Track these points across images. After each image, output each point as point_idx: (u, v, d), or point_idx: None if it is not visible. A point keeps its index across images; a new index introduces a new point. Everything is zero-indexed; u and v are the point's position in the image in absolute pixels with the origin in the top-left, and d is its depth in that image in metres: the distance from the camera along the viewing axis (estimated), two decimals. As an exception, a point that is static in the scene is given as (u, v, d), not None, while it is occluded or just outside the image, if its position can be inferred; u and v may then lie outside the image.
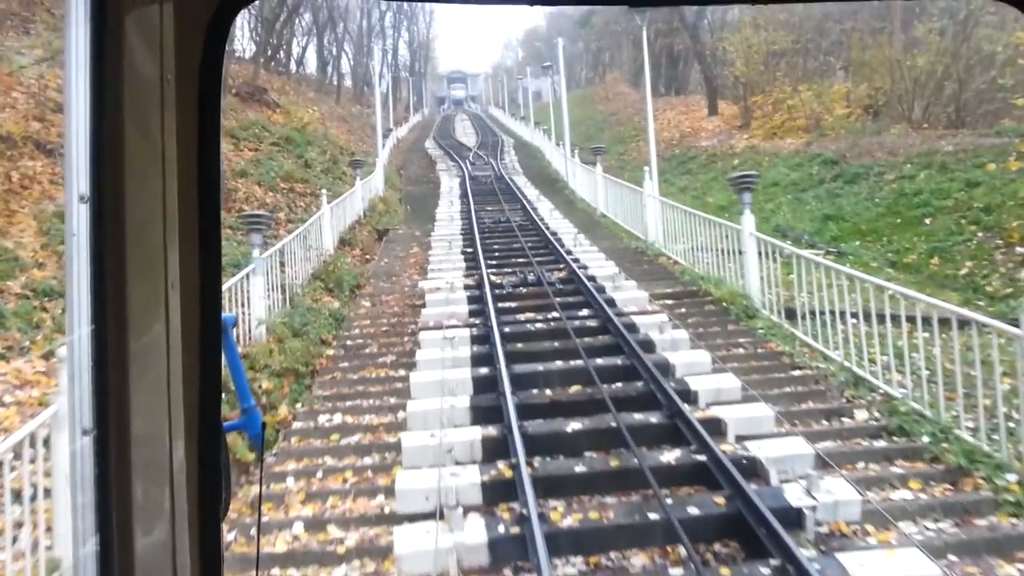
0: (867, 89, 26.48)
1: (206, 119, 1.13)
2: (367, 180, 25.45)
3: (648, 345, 9.67)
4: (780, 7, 33.02)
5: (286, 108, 31.30)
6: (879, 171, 20.39)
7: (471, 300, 12.36)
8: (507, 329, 10.43)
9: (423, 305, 12.59)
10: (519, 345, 9.98)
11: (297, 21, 57.07)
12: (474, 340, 10.35)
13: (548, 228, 18.25)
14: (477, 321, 11.00)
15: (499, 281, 13.08)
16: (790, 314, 11.69)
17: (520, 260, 14.94)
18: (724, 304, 12.27)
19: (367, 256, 18.80)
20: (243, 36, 44.05)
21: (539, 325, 10.61)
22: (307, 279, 14.65)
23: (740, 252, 13.34)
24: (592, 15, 65.40)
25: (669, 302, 12.60)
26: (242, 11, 1.24)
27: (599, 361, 9.07)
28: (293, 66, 57.03)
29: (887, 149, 21.47)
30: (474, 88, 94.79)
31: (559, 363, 9.27)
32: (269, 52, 44.79)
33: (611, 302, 11.53)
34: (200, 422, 1.15)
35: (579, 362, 9.02)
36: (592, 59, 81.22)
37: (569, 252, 15.37)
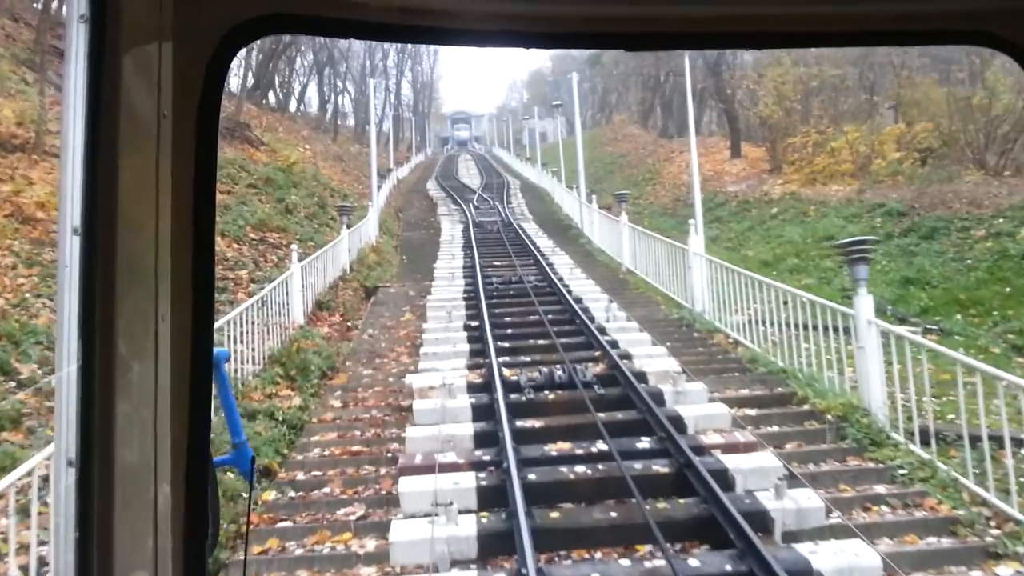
0: (924, 130, 23.00)
1: (202, 156, 1.09)
2: (358, 227, 21.91)
3: (760, 520, 5.96)
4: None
5: (271, 146, 27.88)
6: (963, 225, 16.84)
7: (478, 414, 8.69)
8: (533, 476, 6.74)
9: (409, 415, 8.91)
10: (554, 516, 6.27)
11: (298, 59, 54.24)
12: (484, 498, 6.63)
13: (570, 292, 14.61)
14: (487, 456, 7.28)
15: (514, 379, 9.41)
16: (926, 436, 8.07)
17: (540, 342, 11.29)
18: (830, 419, 8.61)
19: (348, 324, 15.12)
20: (234, 69, 40.88)
21: (581, 470, 6.87)
22: (264, 363, 11.02)
23: (847, 342, 9.73)
24: (601, 55, 62.45)
25: (752, 413, 8.93)
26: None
27: (695, 563, 5.34)
28: (293, 104, 54.03)
29: (965, 199, 17.92)
30: (478, 129, 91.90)
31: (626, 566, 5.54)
32: (260, 88, 41.60)
33: (679, 423, 7.89)
34: (188, 458, 1.09)
35: (660, 563, 5.33)
36: (599, 100, 78.39)
37: (602, 330, 11.70)
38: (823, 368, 10.08)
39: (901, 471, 7.37)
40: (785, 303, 11.60)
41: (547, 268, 17.19)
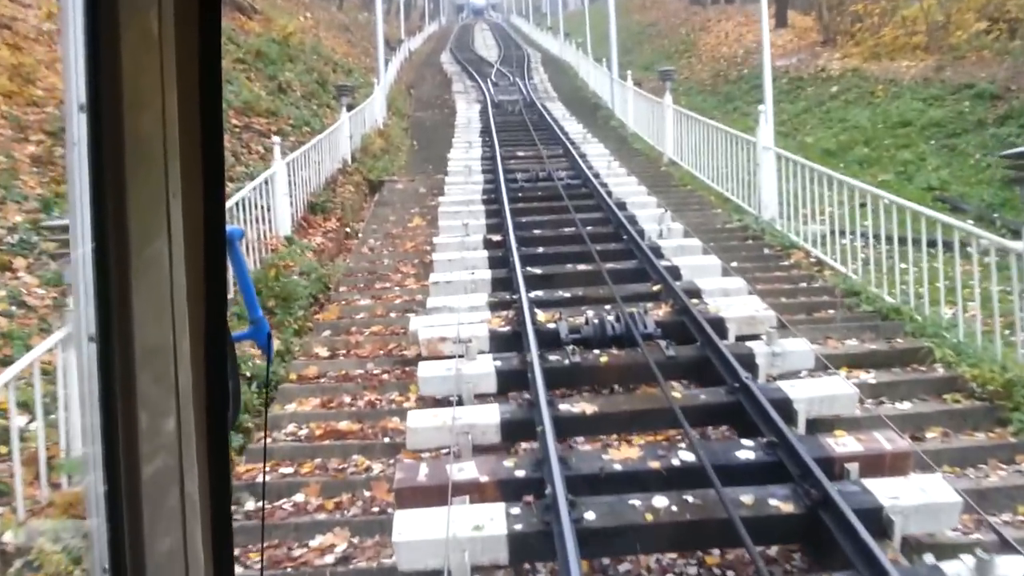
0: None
1: (206, 28, 1.02)
2: (362, 108, 19.17)
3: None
4: None
5: (266, 14, 24.65)
6: (1080, 112, 13.94)
7: (505, 383, 6.41)
8: (591, 515, 4.47)
9: (414, 379, 6.63)
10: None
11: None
12: (518, 552, 4.41)
13: (610, 194, 12.05)
14: (521, 472, 4.99)
15: (551, 327, 7.06)
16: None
17: (581, 268, 8.87)
18: (980, 390, 6.30)
19: (347, 230, 12.74)
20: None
21: (660, 505, 4.59)
22: (234, 290, 8.72)
23: (952, 263, 7.35)
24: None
25: (870, 379, 6.60)
26: None
27: None
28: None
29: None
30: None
31: None
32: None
33: (787, 410, 5.57)
34: (206, 335, 1.05)
35: None
36: (624, -36, 72.51)
37: (657, 251, 9.22)
38: (937, 303, 7.75)
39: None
40: (863, 205, 9.17)
41: (579, 160, 14.55)
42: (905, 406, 6.28)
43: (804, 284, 9.21)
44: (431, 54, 42.63)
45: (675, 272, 8.54)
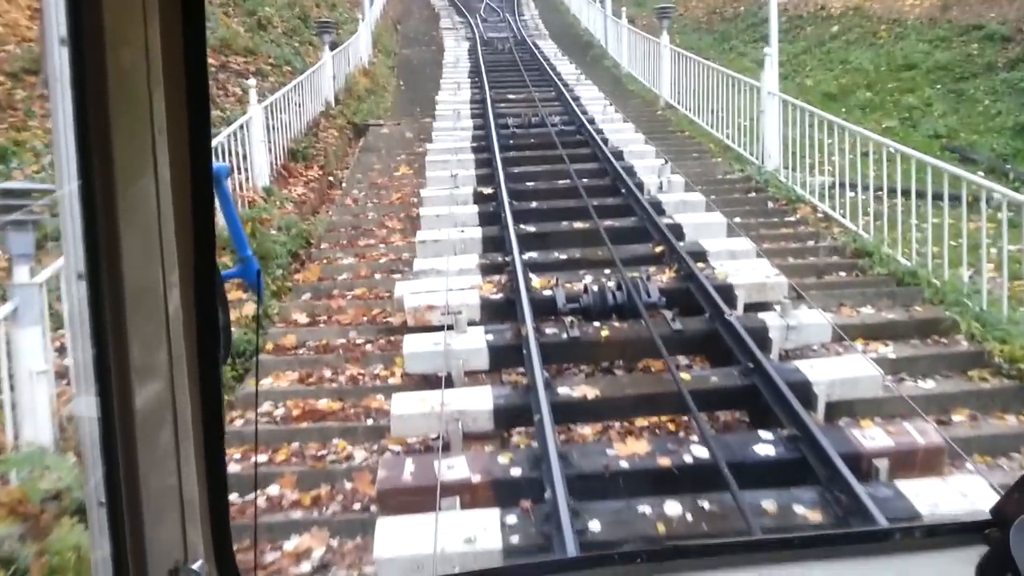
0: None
1: None
2: (347, 46, 18.23)
3: None
4: None
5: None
6: (1094, 55, 13.26)
7: (498, 359, 5.88)
8: (596, 525, 4.00)
9: (399, 352, 6.09)
10: None
11: None
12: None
13: (606, 141, 11.37)
14: (516, 471, 4.46)
15: (548, 294, 6.51)
16: None
17: (578, 226, 8.26)
18: (1009, 367, 5.82)
19: (330, 179, 12.05)
20: None
21: (674, 513, 4.09)
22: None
23: (961, 216, 6.85)
24: None
25: (890, 353, 6.11)
26: None
27: None
28: None
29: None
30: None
31: None
32: None
33: (806, 394, 5.08)
34: (195, 271, 1.06)
35: None
36: None
37: (658, 207, 8.64)
38: (956, 264, 7.24)
39: None
40: (865, 154, 8.63)
41: (572, 104, 13.80)
42: (928, 385, 5.80)
43: (812, 243, 8.66)
44: (418, -13, 41.07)
45: (678, 231, 7.97)
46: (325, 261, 8.62)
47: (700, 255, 7.36)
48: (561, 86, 15.65)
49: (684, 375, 5.41)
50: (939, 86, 14.99)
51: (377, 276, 8.07)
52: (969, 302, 6.64)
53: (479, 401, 5.19)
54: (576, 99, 14.54)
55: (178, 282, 1.05)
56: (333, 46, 17.95)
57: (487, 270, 7.35)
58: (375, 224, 9.67)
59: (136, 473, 1.03)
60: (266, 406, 5.86)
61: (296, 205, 10.33)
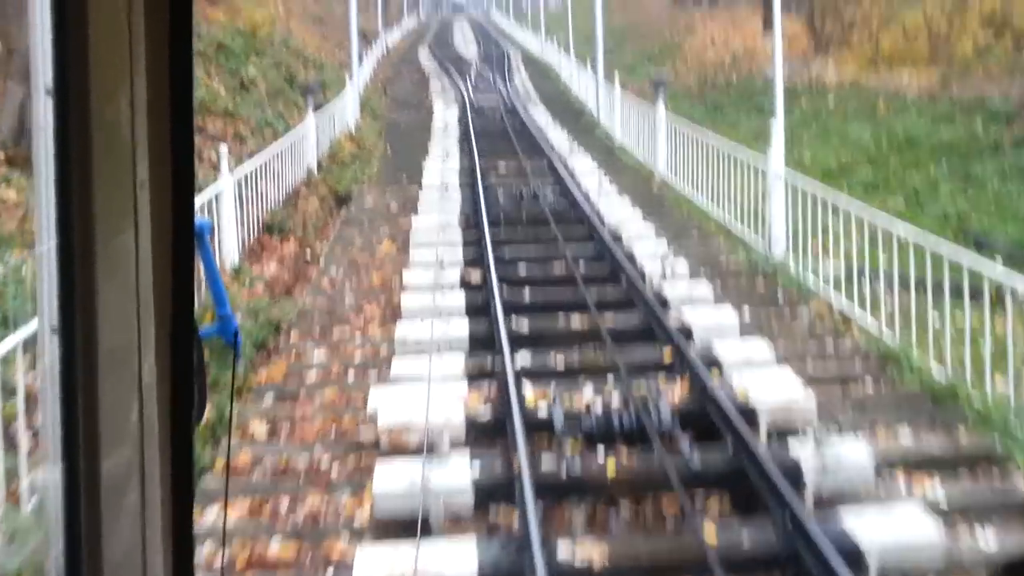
0: None
1: (177, 13, 0.99)
2: (333, 108, 17.58)
3: None
4: None
5: (232, 3, 22.89)
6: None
7: (483, 496, 4.95)
8: None
9: (368, 486, 5.13)
10: None
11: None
12: None
13: (602, 220, 10.62)
14: None
15: (543, 416, 5.61)
16: None
17: (576, 324, 7.41)
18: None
19: (307, 254, 11.19)
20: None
21: None
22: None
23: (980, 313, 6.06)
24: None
25: (938, 493, 5.20)
26: None
27: None
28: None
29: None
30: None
31: None
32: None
33: (851, 558, 4.17)
34: (172, 328, 1.03)
35: None
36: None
37: (664, 302, 7.82)
38: (1000, 373, 6.42)
39: None
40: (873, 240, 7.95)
41: (565, 177, 13.08)
42: (989, 538, 4.89)
43: (831, 344, 7.81)
44: (409, 49, 41.01)
45: (687, 331, 7.12)
46: (294, 355, 7.68)
47: (714, 362, 6.50)
48: (554, 156, 14.98)
49: (708, 526, 4.50)
50: (945, 165, 14.40)
51: (350, 376, 7.13)
52: (1020, 431, 5.78)
53: (462, 560, 4.24)
54: (570, 171, 13.84)
55: (154, 339, 1.01)
56: (318, 108, 17.33)
57: (474, 375, 6.44)
58: (352, 310, 8.77)
59: (99, 538, 0.99)
60: (206, 549, 4.86)
61: (267, 285, 9.44)
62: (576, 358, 6.70)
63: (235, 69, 16.85)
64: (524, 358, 6.59)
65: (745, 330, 7.44)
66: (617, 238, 9.88)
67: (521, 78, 31.02)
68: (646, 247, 9.66)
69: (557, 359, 6.71)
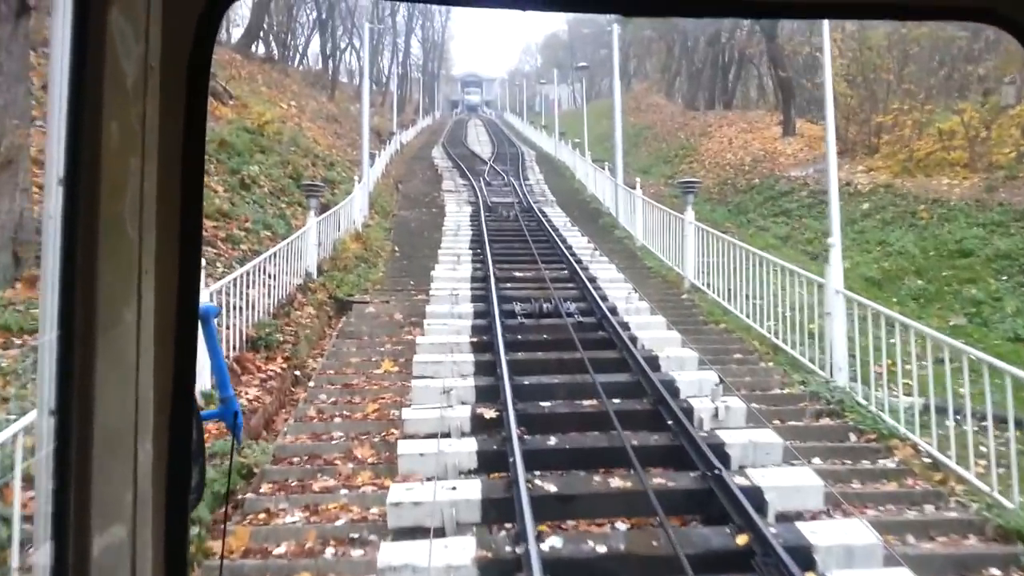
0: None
1: (192, 108, 1.04)
2: (339, 208, 16.40)
3: None
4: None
5: (243, 100, 22.13)
6: None
7: None
8: None
9: None
10: None
11: (301, 10, 48.14)
12: None
13: (633, 339, 9.15)
14: None
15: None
16: None
17: (618, 484, 5.82)
18: None
19: (296, 374, 9.66)
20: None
21: None
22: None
23: None
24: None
25: None
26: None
27: None
28: (296, 59, 48.08)
29: None
30: (489, 93, 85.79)
31: None
32: (249, 34, 35.65)
33: None
34: (171, 412, 1.04)
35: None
36: (619, 69, 71.82)
37: (724, 456, 6.25)
38: None
39: None
40: (940, 361, 6.51)
41: (588, 285, 11.66)
42: None
43: (933, 509, 6.18)
44: (423, 147, 40.50)
45: (758, 499, 5.51)
46: (262, 518, 6.07)
47: (802, 550, 4.86)
48: (573, 262, 13.61)
49: None
50: (1005, 277, 12.93)
51: (327, 553, 5.50)
52: None
53: None
54: (592, 279, 12.44)
55: (152, 422, 1.01)
56: (324, 208, 16.17)
57: (488, 571, 4.81)
58: (340, 453, 7.18)
59: None
60: None
61: (246, 414, 7.88)
62: (621, 545, 5.05)
63: (236, 168, 15.73)
64: (552, 542, 4.97)
65: (830, 499, 5.82)
66: (654, 363, 8.37)
67: (536, 178, 30.11)
68: (689, 376, 8.12)
69: (597, 540, 5.08)
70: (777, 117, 32.61)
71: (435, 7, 73.24)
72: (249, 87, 25.57)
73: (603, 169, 23.93)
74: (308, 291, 12.45)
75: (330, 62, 49.49)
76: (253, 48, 36.67)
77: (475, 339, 9.39)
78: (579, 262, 13.79)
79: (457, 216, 19.90)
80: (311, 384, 9.10)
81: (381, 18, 58.49)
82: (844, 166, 22.35)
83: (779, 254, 15.24)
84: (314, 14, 49.18)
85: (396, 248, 17.51)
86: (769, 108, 36.67)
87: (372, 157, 24.29)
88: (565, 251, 14.70)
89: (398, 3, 62.75)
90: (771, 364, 9.67)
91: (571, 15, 74.54)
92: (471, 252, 14.93)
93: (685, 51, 53.31)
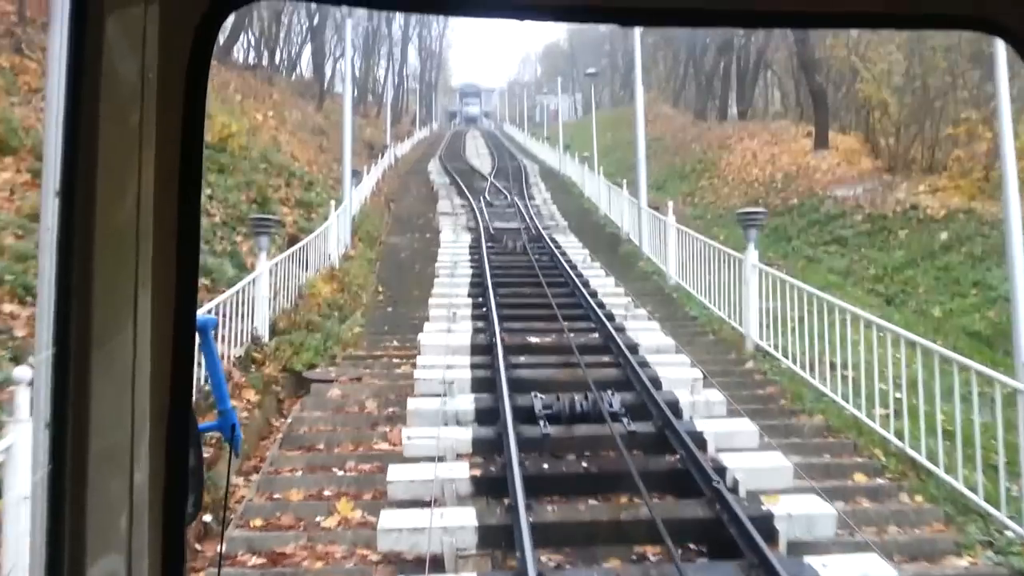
0: None
1: (190, 119, 0.99)
2: (306, 243, 13.11)
3: None
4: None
5: (207, 111, 18.85)
6: None
7: None
8: None
9: None
10: None
11: (293, 18, 45.02)
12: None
13: (726, 474, 5.83)
14: None
15: None
16: None
17: None
18: None
19: (205, 521, 6.31)
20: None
21: None
22: None
23: None
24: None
25: None
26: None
27: None
28: (285, 70, 44.89)
29: None
30: (488, 104, 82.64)
31: None
32: (227, 38, 32.39)
33: None
34: (169, 425, 0.99)
35: None
36: (621, 77, 68.89)
37: None
38: None
39: None
40: None
41: (634, 364, 8.32)
42: None
43: None
44: (419, 161, 37.20)
45: None
46: None
47: None
48: (604, 318, 10.27)
49: None
50: None
51: None
52: None
53: None
54: (632, 347, 9.10)
55: (148, 437, 0.97)
56: (293, 241, 12.96)
57: None
58: None
59: None
60: None
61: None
62: None
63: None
64: None
65: None
66: (767, 528, 5.06)
67: (542, 196, 26.83)
68: (829, 559, 4.78)
69: None
70: (804, 128, 29.38)
71: (432, 16, 70.10)
72: (219, 96, 22.24)
73: (620, 188, 20.62)
74: (253, 364, 9.12)
75: (323, 71, 46.28)
76: (235, 55, 33.43)
77: (477, 472, 6.03)
78: (611, 318, 10.44)
79: (454, 247, 16.52)
80: (222, 546, 5.74)
81: (376, 26, 55.37)
82: (901, 185, 19.10)
83: (845, 296, 11.94)
84: (307, 22, 46.10)
85: (380, 289, 14.19)
86: (793, 118, 33.42)
87: (358, 175, 21.01)
88: (590, 299, 11.36)
89: (394, 12, 59.78)
90: (920, 500, 6.36)
91: (570, 24, 71.38)
92: (470, 303, 11.55)
93: (693, 58, 50.18)
